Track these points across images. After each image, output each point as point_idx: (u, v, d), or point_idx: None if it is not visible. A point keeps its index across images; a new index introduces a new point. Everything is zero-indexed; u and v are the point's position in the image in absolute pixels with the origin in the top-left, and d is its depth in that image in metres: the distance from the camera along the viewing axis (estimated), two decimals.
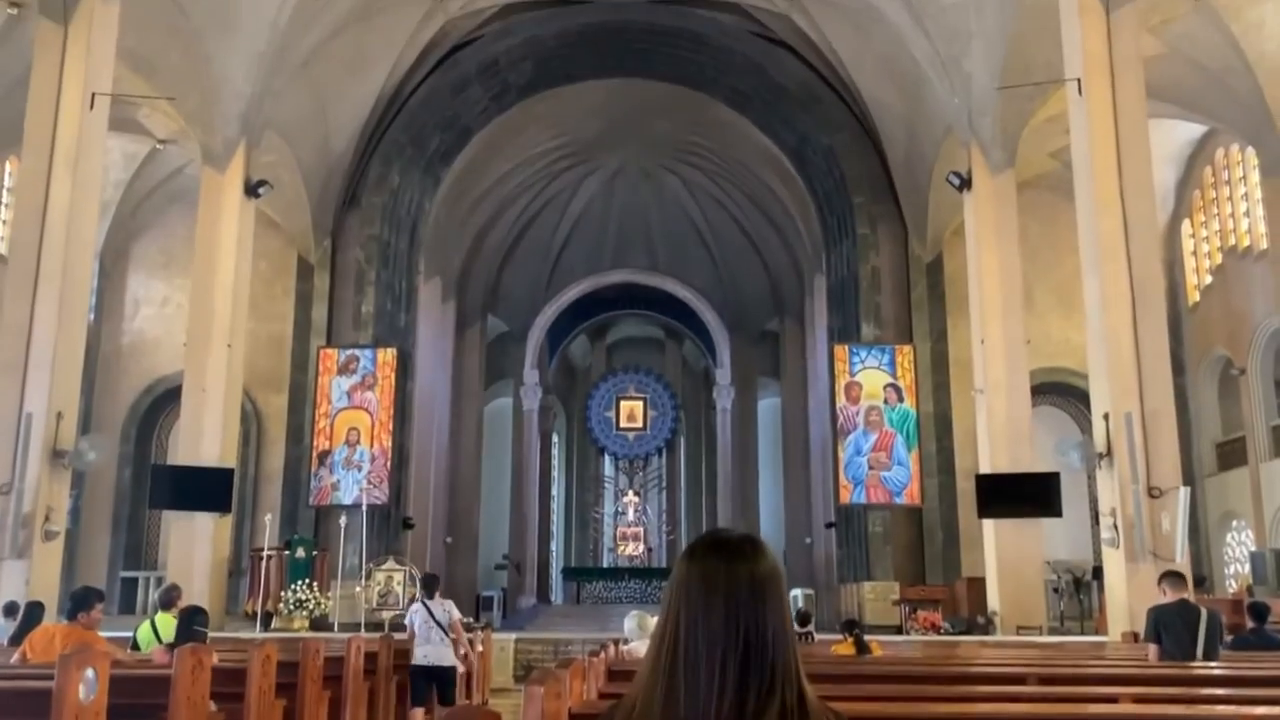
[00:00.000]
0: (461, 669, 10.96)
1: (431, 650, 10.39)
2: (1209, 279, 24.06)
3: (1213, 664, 7.32)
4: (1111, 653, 11.40)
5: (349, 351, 23.14)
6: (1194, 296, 24.54)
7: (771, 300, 32.01)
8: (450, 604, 10.78)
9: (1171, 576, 7.90)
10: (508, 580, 29.12)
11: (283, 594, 19.02)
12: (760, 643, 1.61)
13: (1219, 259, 23.76)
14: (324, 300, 23.97)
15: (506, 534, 30.97)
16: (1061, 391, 24.20)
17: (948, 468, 22.98)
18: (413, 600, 14.03)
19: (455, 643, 10.53)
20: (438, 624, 10.40)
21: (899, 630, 18.81)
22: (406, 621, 10.73)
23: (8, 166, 22.81)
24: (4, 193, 22.99)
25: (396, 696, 11.04)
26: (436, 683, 10.46)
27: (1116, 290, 14.50)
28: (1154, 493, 14.19)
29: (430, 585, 10.95)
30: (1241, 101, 19.29)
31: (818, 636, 13.76)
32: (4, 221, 22.56)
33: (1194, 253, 24.73)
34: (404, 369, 23.38)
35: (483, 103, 25.07)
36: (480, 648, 13.20)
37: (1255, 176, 22.11)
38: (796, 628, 11.21)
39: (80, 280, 15.19)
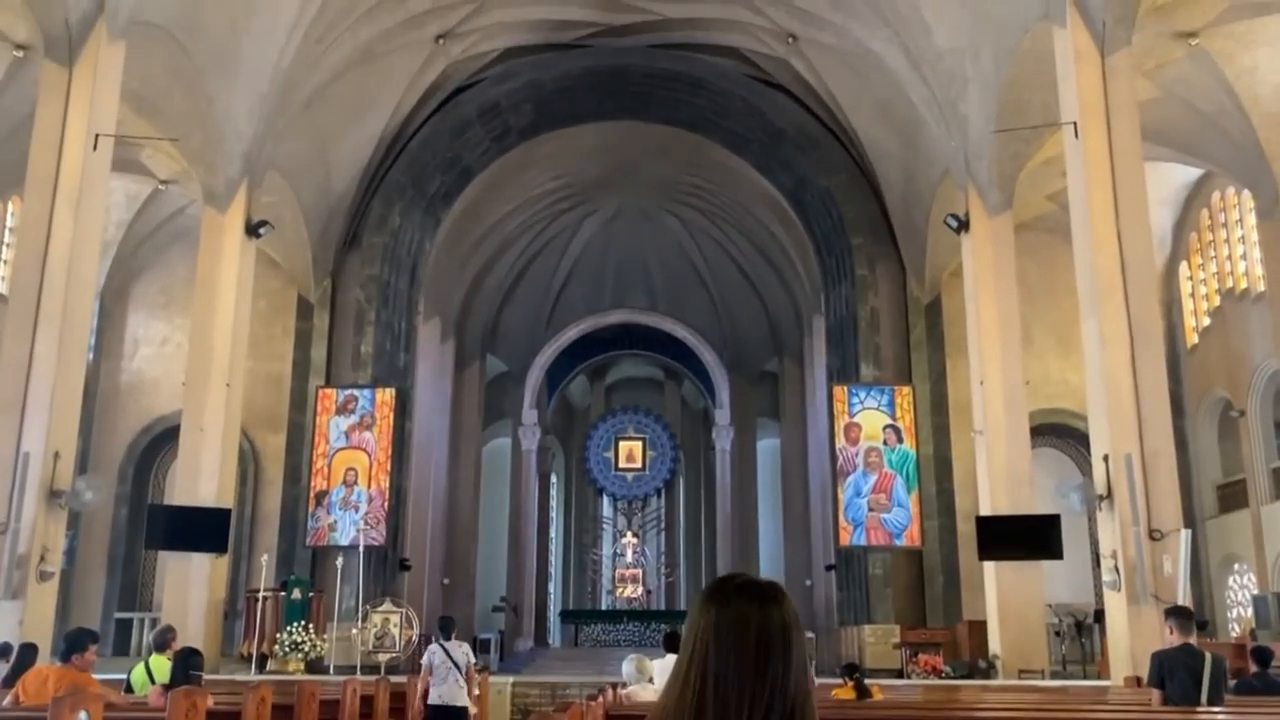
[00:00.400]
0: (473, 710, 11.41)
1: (446, 690, 10.84)
2: (1207, 321, 24.04)
3: (1217, 710, 7.21)
4: (1114, 698, 11.41)
5: (348, 391, 23.08)
6: (1192, 338, 24.51)
7: (770, 341, 31.93)
8: (466, 646, 11.38)
9: (1178, 614, 7.80)
10: (505, 622, 28.86)
11: (278, 636, 18.79)
12: (788, 688, 1.61)
13: (1216, 301, 23.74)
14: (323, 340, 23.94)
15: (504, 575, 30.74)
16: (1061, 433, 24.12)
17: (948, 509, 22.85)
18: (427, 641, 14.64)
19: (469, 684, 11.07)
20: (455, 665, 10.91)
21: (900, 674, 18.61)
22: (425, 661, 11.18)
23: (10, 207, 22.81)
24: (6, 233, 22.97)
25: None
26: None
27: (1115, 331, 14.49)
28: (1155, 535, 14.10)
29: (447, 627, 11.48)
30: (1236, 145, 19.38)
31: (818, 680, 13.82)
32: (5, 261, 22.51)
33: (1192, 294, 24.73)
34: (402, 409, 23.30)
35: (484, 144, 25.20)
36: (477, 691, 13.22)
37: (1252, 219, 22.14)
38: None
39: (80, 320, 15.17)
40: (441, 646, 11.03)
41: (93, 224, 15.41)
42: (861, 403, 22.67)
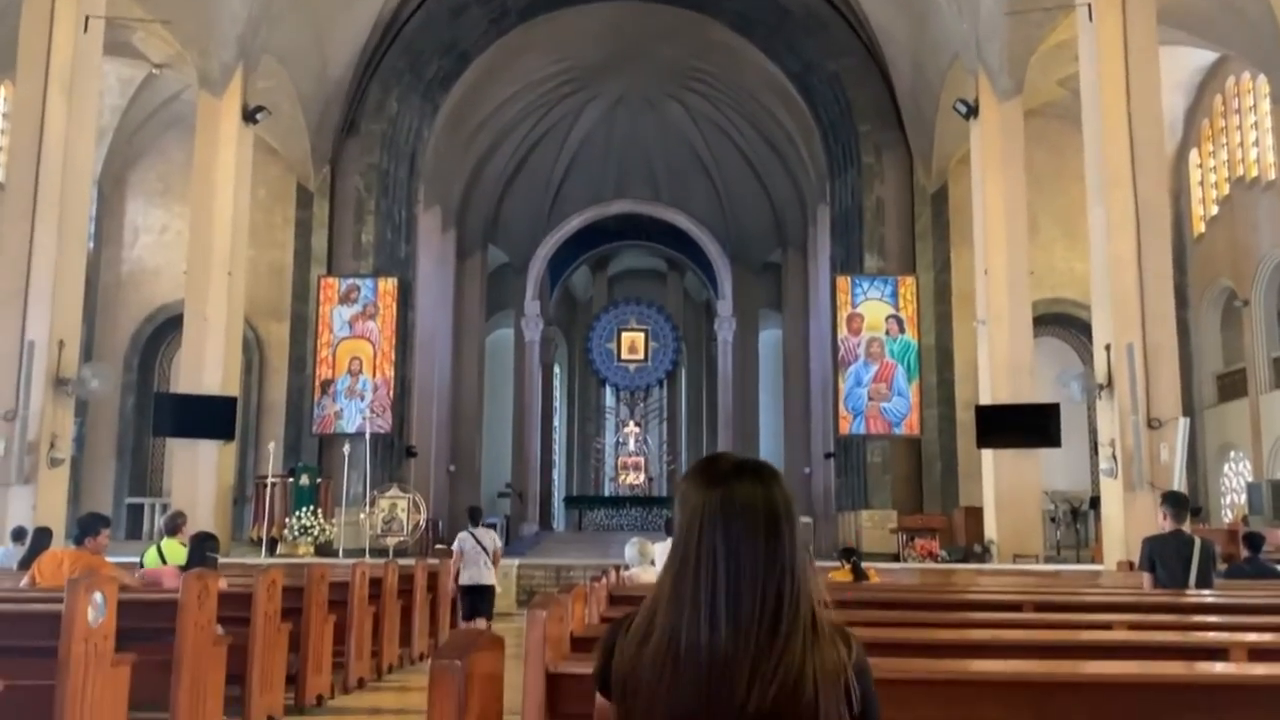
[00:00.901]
0: (498, 588, 12.56)
1: (477, 572, 11.89)
2: (1215, 210, 23.75)
3: (1205, 591, 7.33)
4: (1107, 581, 11.58)
5: (350, 281, 22.89)
6: (1200, 227, 24.25)
7: (774, 231, 31.58)
8: (494, 533, 12.30)
9: (1172, 500, 7.89)
10: (510, 508, 29.06)
11: (287, 520, 18.99)
12: (795, 566, 1.62)
13: (1226, 190, 23.39)
14: (324, 229, 23.66)
15: (509, 463, 30.87)
16: (1064, 323, 24.03)
17: (948, 399, 22.87)
18: (433, 525, 15.92)
19: (495, 565, 12.09)
20: (483, 549, 11.86)
21: (896, 558, 18.83)
22: (455, 547, 12.13)
23: (2, 91, 22.48)
24: (0, 119, 22.66)
25: (401, 617, 11.19)
26: (479, 598, 11.97)
27: (1122, 219, 14.36)
28: (1153, 424, 14.21)
29: (476, 516, 12.47)
30: (1254, 27, 18.83)
31: (816, 564, 13.78)
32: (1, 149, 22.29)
33: (1201, 183, 24.43)
34: (405, 299, 23.17)
35: (481, 25, 24.53)
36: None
37: (1266, 105, 21.71)
38: None
39: (78, 207, 15.02)
40: (471, 533, 11.93)
41: (87, 109, 15.18)
42: (865, 293, 22.57)
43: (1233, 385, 22.98)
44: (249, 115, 19.81)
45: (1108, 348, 14.64)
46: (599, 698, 1.84)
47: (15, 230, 14.37)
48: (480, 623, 11.77)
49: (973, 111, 19.48)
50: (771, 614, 1.60)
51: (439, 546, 18.87)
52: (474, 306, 30.07)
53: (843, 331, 22.36)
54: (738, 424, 30.95)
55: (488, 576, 12.00)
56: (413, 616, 11.45)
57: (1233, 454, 23.26)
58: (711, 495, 1.66)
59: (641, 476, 33.21)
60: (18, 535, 12.20)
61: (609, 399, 35.50)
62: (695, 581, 1.62)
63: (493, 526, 14.04)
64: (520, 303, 31.64)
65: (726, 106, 29.34)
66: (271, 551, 18.34)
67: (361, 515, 19.81)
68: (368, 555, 17.10)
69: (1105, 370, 14.68)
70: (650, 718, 1.64)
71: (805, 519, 21.62)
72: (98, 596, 5.31)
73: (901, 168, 23.73)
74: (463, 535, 12.07)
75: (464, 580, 12.00)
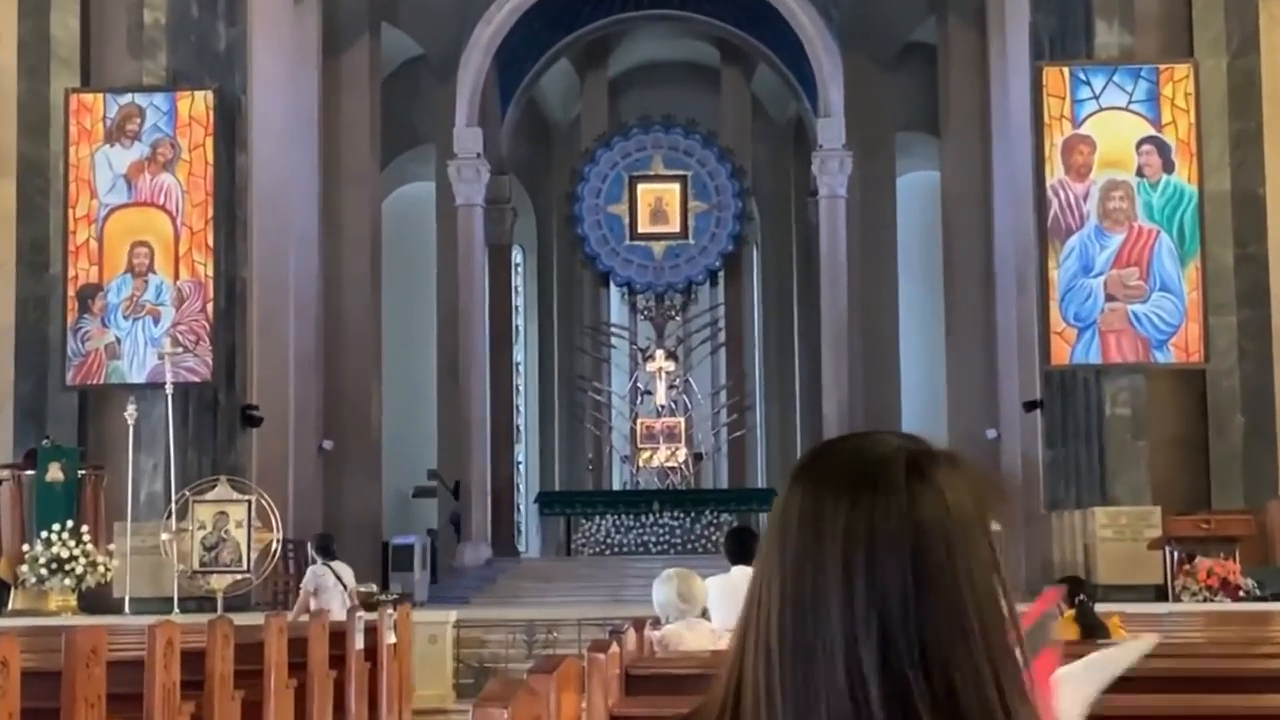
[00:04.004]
0: (390, 639, 11.53)
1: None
2: None
3: None
4: None
5: (126, 99, 16.15)
6: None
7: None
8: (348, 571, 11.70)
9: None
10: (439, 516, 22.52)
11: (24, 550, 15.20)
12: (974, 644, 1.17)
13: None
14: (72, 2, 16.49)
15: (434, 435, 23.32)
16: None
17: (1256, 296, 16.26)
18: (294, 548, 15.78)
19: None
20: (345, 587, 11.32)
21: (1162, 593, 15.10)
22: (305, 585, 11.37)
23: None
24: None
25: None
26: None
27: None
28: None
29: (328, 546, 11.86)
30: None
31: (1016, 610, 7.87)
32: None
33: None
34: (229, 130, 16.61)
35: None
36: (392, 638, 10.75)
37: None
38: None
39: None
40: (330, 567, 11.27)
41: None
42: (1097, 98, 16.18)
43: None
44: None
45: None
46: None
47: None
48: None
49: None
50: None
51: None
52: (359, 142, 21.94)
53: (1056, 171, 16.26)
54: (859, 350, 23.11)
55: None
56: None
57: None
58: (863, 514, 1.18)
59: (680, 452, 24.04)
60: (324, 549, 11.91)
61: (615, 308, 26.52)
62: (818, 661, 1.18)
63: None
64: (445, 135, 23.10)
65: None
66: (1, 605, 15.62)
67: (164, 536, 15.32)
68: (176, 608, 14.18)
69: None
70: None
71: (993, 527, 16.69)
72: None
73: None
74: (317, 569, 11.17)
75: None
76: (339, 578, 11.16)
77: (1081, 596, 8.85)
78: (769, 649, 1.17)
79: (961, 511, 1.18)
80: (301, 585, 11.57)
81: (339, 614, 10.45)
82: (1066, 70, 15.78)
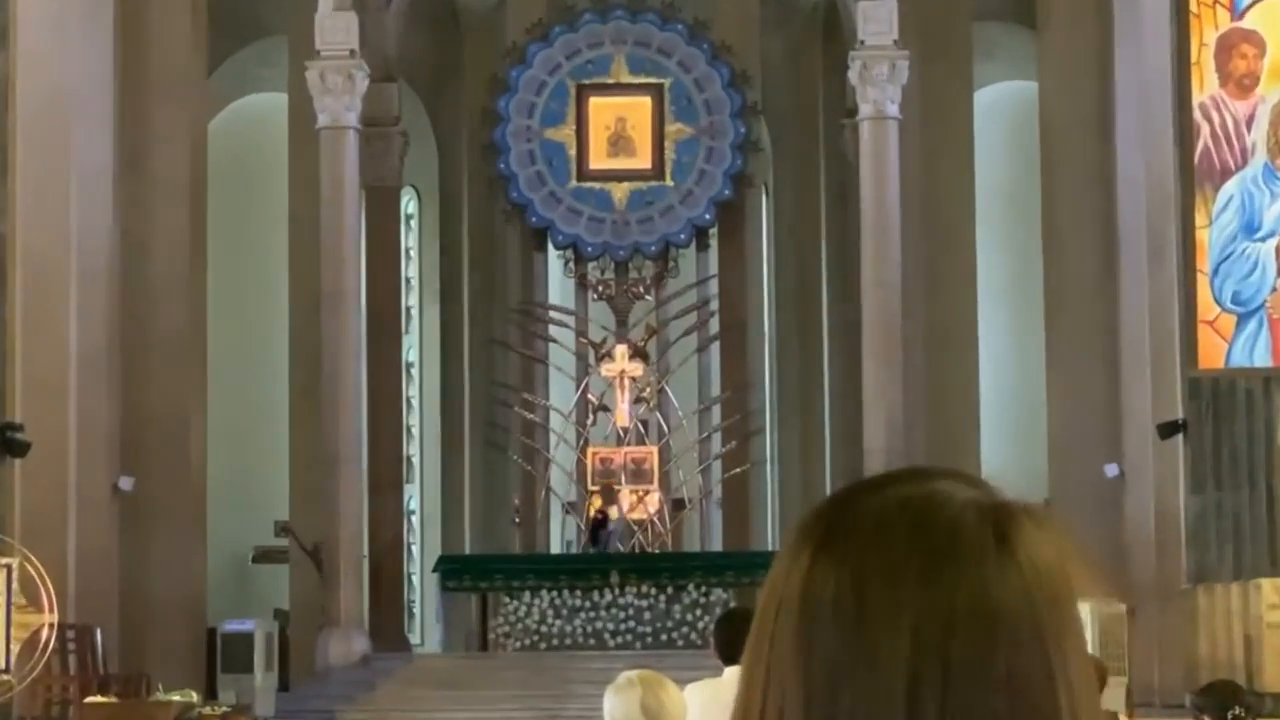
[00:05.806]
0: None
1: None
2: None
3: None
4: None
5: None
6: None
7: None
8: None
9: None
10: (291, 593, 19.34)
11: None
12: None
13: None
14: None
15: (284, 474, 19.57)
16: None
17: None
18: (80, 636, 14.74)
19: None
20: None
21: None
22: None
23: None
24: None
25: None
26: None
27: None
28: None
29: None
30: None
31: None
32: None
33: None
34: None
35: None
36: None
37: None
38: None
39: None
40: None
41: None
42: None
43: None
44: None
45: None
46: None
47: None
48: None
49: None
50: None
51: (100, 701, 13.98)
52: (174, 36, 18.58)
53: (1207, 85, 14.61)
54: (917, 349, 18.89)
55: None
56: None
57: None
58: (941, 602, 0.99)
59: (652, 498, 19.51)
60: None
61: (555, 283, 21.14)
62: None
63: None
64: (304, 22, 19.05)
65: None
66: None
67: None
68: None
69: None
70: None
71: (1109, 605, 15.58)
72: None
73: None
74: None
75: None
76: None
77: (1237, 711, 7.89)
78: None
79: (1055, 591, 0.97)
80: None
81: None
82: None
